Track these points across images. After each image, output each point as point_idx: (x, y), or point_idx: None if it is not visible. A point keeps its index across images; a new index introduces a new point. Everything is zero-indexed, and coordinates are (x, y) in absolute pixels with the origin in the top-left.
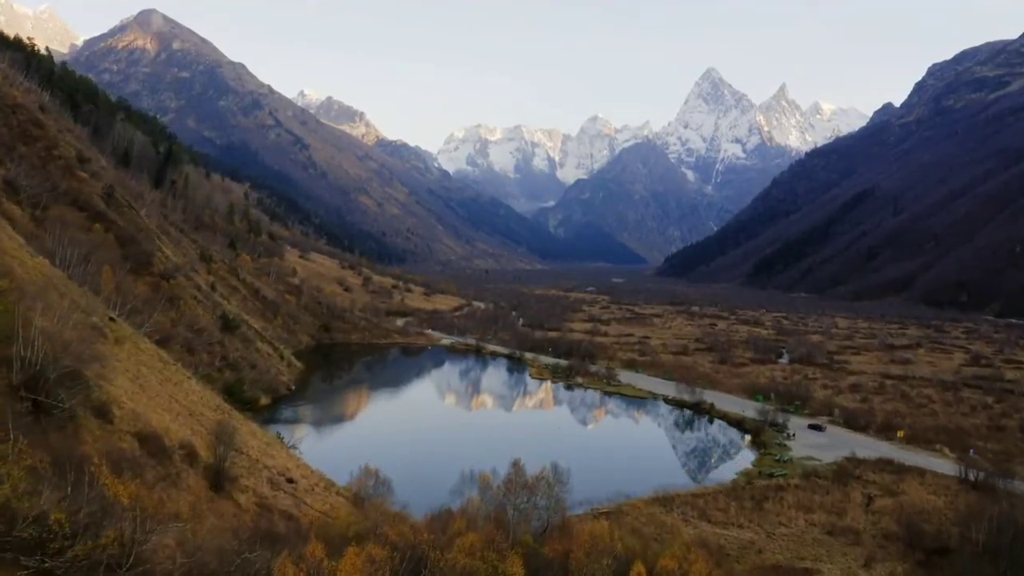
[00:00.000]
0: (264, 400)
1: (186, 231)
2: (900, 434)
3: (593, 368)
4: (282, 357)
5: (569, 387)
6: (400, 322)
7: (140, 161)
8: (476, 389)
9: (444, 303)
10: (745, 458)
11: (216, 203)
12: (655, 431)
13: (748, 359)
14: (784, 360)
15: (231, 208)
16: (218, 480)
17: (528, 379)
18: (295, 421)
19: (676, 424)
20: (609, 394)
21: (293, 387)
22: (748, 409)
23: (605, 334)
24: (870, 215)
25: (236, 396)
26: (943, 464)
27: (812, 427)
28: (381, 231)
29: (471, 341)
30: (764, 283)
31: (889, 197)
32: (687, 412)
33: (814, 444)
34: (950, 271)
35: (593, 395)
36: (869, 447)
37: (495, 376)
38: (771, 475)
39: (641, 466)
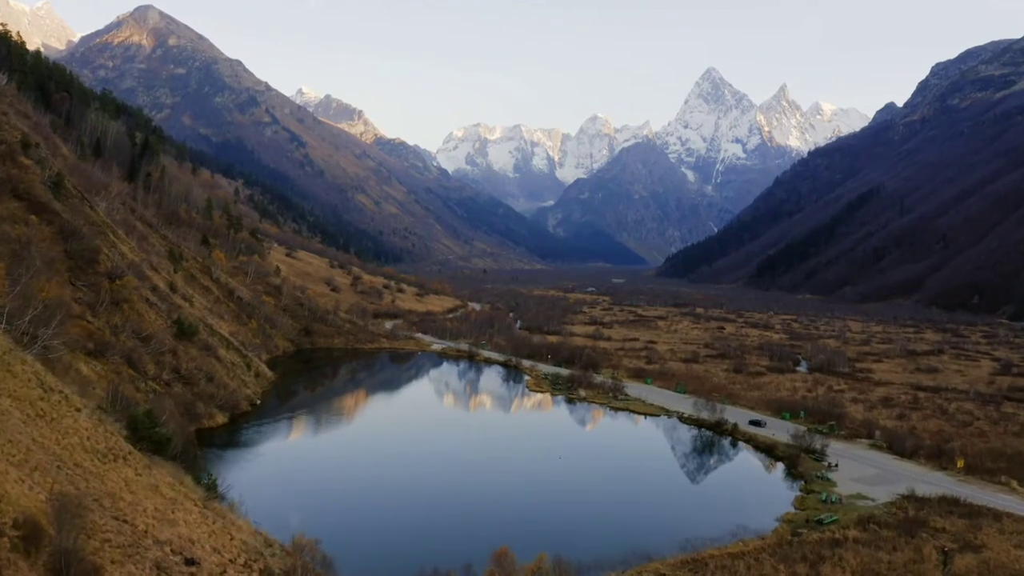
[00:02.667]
0: (220, 419)
1: (155, 226)
2: (960, 463)
3: (597, 379)
4: (249, 367)
5: (571, 401)
6: (388, 325)
7: (115, 153)
8: (465, 406)
9: (438, 304)
10: (783, 495)
11: (195, 198)
12: (672, 459)
13: (764, 367)
14: (802, 368)
15: (209, 203)
16: None
17: (525, 391)
18: (248, 445)
19: (695, 448)
20: (616, 410)
21: (258, 401)
22: (778, 430)
23: (608, 338)
24: (876, 215)
25: (144, 432)
26: (1017, 503)
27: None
28: (378, 230)
29: (464, 347)
30: (768, 284)
31: (895, 197)
32: (706, 432)
33: (860, 477)
34: (961, 273)
35: (597, 411)
36: (923, 480)
37: (488, 389)
38: (820, 522)
39: (660, 506)
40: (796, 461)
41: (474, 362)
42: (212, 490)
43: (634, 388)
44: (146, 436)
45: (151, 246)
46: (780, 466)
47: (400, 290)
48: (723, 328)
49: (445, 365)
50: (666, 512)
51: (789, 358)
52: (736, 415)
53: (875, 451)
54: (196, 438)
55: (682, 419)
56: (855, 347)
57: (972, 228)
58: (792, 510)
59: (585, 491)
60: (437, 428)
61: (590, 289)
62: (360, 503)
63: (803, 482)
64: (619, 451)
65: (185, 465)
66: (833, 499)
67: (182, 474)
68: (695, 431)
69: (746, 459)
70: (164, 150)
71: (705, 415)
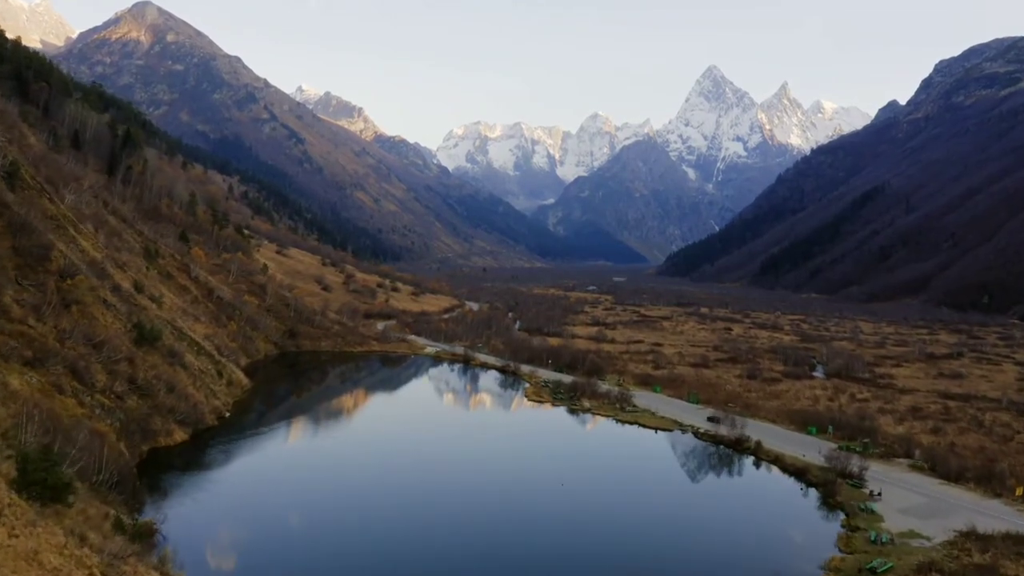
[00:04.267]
0: (179, 435)
1: (131, 221)
2: (1018, 491)
3: (602, 386)
4: (221, 374)
5: (574, 412)
6: (381, 326)
7: (95, 145)
8: (455, 420)
9: (434, 304)
10: (822, 532)
11: (179, 192)
12: (688, 483)
13: (779, 373)
14: (819, 374)
15: (193, 198)
16: None
17: (522, 401)
18: (209, 468)
19: (714, 468)
20: (624, 422)
21: (228, 413)
22: (805, 447)
23: (612, 341)
24: (881, 213)
25: (34, 476)
26: None
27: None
28: (377, 228)
29: (459, 350)
30: (772, 283)
31: (901, 195)
32: (724, 450)
33: (909, 507)
34: (970, 272)
35: (603, 425)
36: (979, 510)
37: (482, 399)
38: (873, 571)
39: (677, 546)
40: (833, 488)
41: (469, 367)
42: (140, 538)
43: (642, 397)
44: (38, 480)
45: (124, 242)
46: (813, 493)
47: (395, 289)
48: (730, 329)
49: (437, 370)
50: (684, 554)
51: (804, 362)
52: (758, 431)
53: (916, 473)
54: (148, 460)
55: (698, 435)
56: (870, 349)
57: (980, 226)
58: (837, 553)
59: (587, 524)
60: (421, 446)
61: (591, 288)
62: (329, 544)
63: (844, 515)
64: (627, 474)
65: (123, 500)
66: (884, 539)
67: (93, 524)
68: (712, 448)
69: (774, 483)
70: (154, 145)
71: (724, 431)
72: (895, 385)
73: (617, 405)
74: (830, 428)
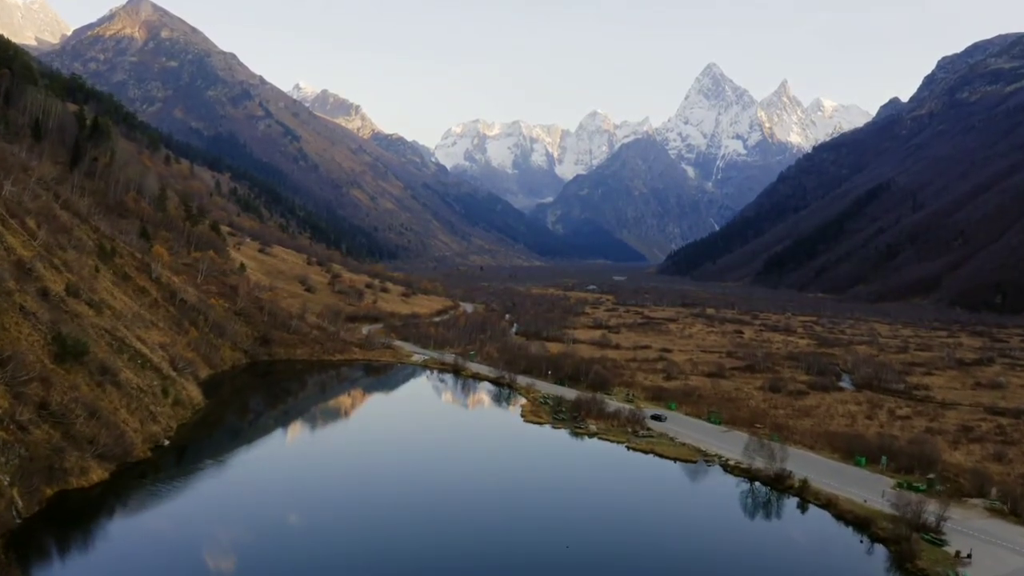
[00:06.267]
0: (97, 474)
1: (85, 216)
2: None
3: (610, 404)
4: (166, 392)
5: (577, 435)
6: (365, 330)
7: (60, 135)
8: (439, 446)
9: (425, 306)
10: None
11: (150, 187)
12: (720, 535)
13: (804, 384)
14: (846, 384)
15: (163, 192)
16: None
17: (518, 421)
18: (116, 518)
19: (749, 514)
20: (637, 450)
21: (166, 441)
22: (859, 485)
23: (617, 346)
24: (887, 211)
25: None
26: None
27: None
28: (373, 226)
29: (450, 358)
30: (775, 282)
31: (907, 192)
32: (761, 487)
33: (1010, 574)
34: (982, 271)
35: (613, 454)
36: None
37: (471, 418)
38: None
39: None
40: (909, 547)
41: (460, 377)
42: None
43: (655, 416)
44: None
45: (74, 240)
46: (881, 551)
47: (384, 290)
48: (741, 332)
49: (423, 382)
50: None
51: (828, 371)
52: (797, 461)
53: (997, 519)
54: (54, 507)
55: (727, 468)
56: (892, 355)
57: (991, 224)
58: None
59: None
60: (392, 486)
61: (591, 287)
62: None
63: None
64: (646, 525)
65: None
66: None
67: None
68: (746, 484)
69: (829, 537)
70: (136, 139)
71: (759, 463)
72: (933, 398)
73: (629, 428)
74: (884, 460)
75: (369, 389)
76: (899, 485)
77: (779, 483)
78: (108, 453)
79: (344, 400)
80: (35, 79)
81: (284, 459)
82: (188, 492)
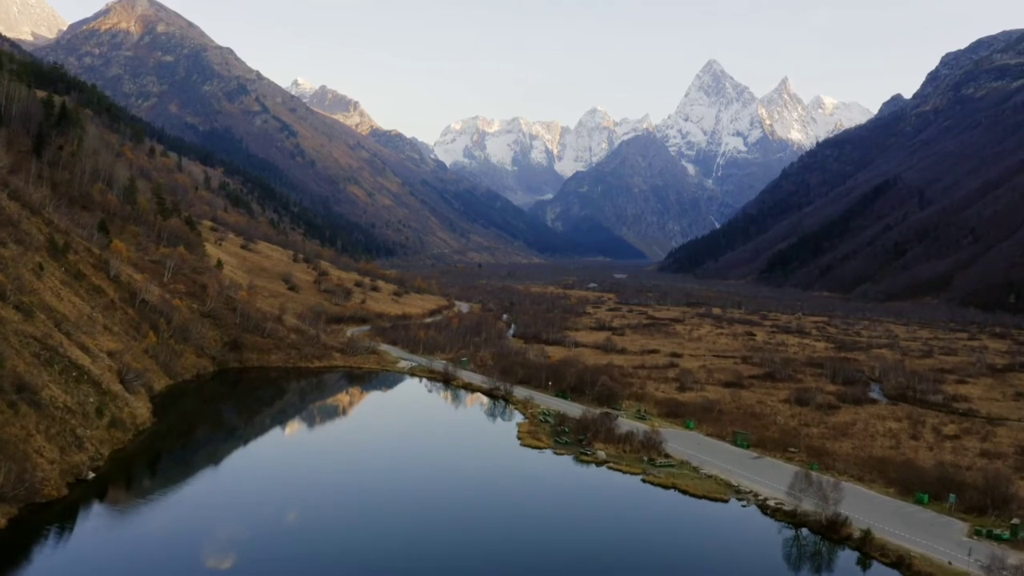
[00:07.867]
0: None
1: (38, 208)
2: None
3: (620, 423)
4: (101, 412)
5: (583, 462)
6: (350, 333)
7: (24, 123)
8: (414, 483)
9: (418, 306)
10: None
11: (119, 178)
12: None
13: (833, 395)
14: (877, 394)
15: (132, 183)
16: None
17: (514, 446)
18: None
19: (793, 566)
20: (655, 484)
21: (91, 475)
22: (928, 533)
23: (622, 350)
24: (893, 208)
25: None
26: None
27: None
28: (370, 222)
29: (440, 365)
30: (780, 280)
31: (914, 188)
32: (809, 536)
33: None
34: (995, 270)
35: (627, 487)
36: None
37: (459, 441)
38: None
39: None
40: None
41: (450, 387)
42: None
43: (672, 436)
44: None
45: (20, 233)
46: None
47: (375, 288)
48: (753, 335)
49: (408, 393)
50: None
51: (855, 379)
52: (855, 501)
53: None
54: None
55: (765, 509)
56: (916, 359)
57: (1002, 222)
58: None
59: None
60: (352, 542)
61: (592, 285)
62: None
63: None
64: None
65: None
66: None
67: None
68: (790, 531)
69: None
70: (119, 130)
71: (807, 505)
72: (977, 412)
73: (644, 456)
74: (952, 498)
75: (345, 402)
76: (977, 532)
77: (832, 531)
78: (12, 494)
79: (310, 421)
80: (0, 64)
81: (227, 498)
82: (103, 540)
